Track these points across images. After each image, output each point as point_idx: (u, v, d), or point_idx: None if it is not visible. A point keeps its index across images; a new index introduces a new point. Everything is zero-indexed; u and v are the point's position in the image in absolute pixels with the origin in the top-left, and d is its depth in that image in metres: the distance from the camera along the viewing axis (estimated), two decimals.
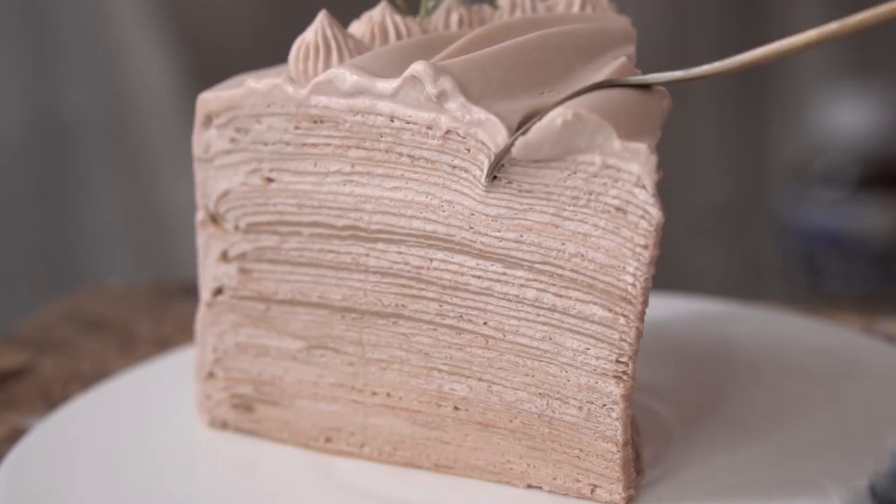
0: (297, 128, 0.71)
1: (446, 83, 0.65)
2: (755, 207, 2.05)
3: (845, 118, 1.98)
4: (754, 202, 2.06)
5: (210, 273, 0.76)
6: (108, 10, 1.70)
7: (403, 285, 0.70)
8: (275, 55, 0.79)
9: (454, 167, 0.67)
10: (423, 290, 0.70)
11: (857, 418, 0.74)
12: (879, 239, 1.89)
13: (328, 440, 0.76)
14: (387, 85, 0.67)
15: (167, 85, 1.73)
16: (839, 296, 1.89)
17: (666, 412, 0.77)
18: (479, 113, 0.64)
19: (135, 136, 1.74)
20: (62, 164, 1.72)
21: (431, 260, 0.69)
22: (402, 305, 0.71)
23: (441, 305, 0.69)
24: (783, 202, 2.01)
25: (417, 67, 0.65)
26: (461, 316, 0.69)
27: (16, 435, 0.81)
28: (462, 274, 0.68)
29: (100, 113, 1.72)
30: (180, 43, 1.74)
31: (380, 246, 0.70)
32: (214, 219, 0.76)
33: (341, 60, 0.70)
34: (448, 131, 0.66)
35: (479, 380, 0.70)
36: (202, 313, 0.78)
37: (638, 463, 0.69)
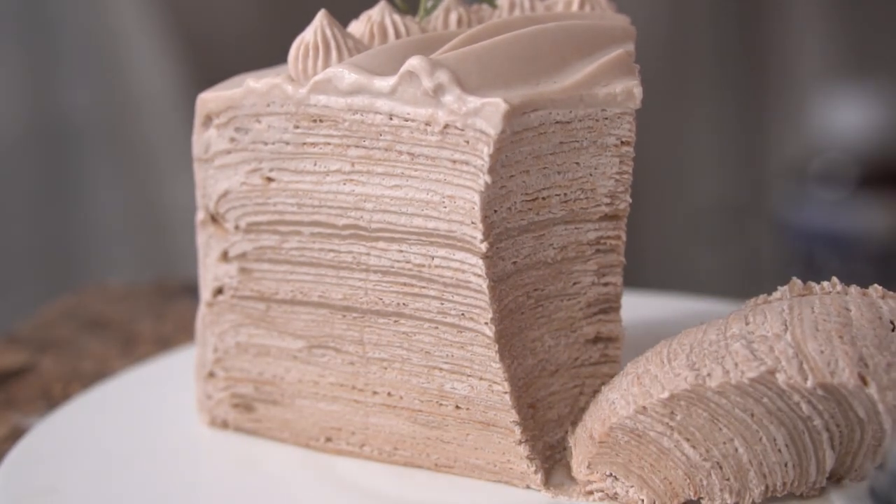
0: (296, 127, 0.71)
1: (442, 76, 0.65)
2: (755, 207, 2.05)
3: (844, 119, 1.99)
4: (754, 202, 2.06)
5: (210, 273, 0.76)
6: (109, 11, 1.70)
7: (404, 284, 0.70)
8: (275, 55, 0.79)
9: (455, 161, 0.67)
10: (424, 288, 0.70)
11: None
12: (878, 239, 1.89)
13: (328, 440, 0.76)
14: (384, 83, 0.67)
15: (167, 85, 1.73)
16: None
17: None
18: (474, 101, 0.64)
19: (135, 135, 1.75)
20: (63, 164, 1.72)
21: (433, 258, 0.69)
22: (404, 304, 0.71)
23: (442, 304, 0.69)
24: (782, 202, 2.01)
25: (413, 62, 0.65)
26: (463, 314, 0.69)
27: (17, 434, 0.81)
28: (463, 271, 0.68)
29: (100, 113, 1.72)
30: (180, 43, 1.74)
31: (381, 244, 0.70)
32: (215, 219, 0.76)
33: (340, 59, 0.70)
34: (446, 126, 0.66)
35: (481, 378, 0.70)
36: (203, 313, 0.78)
37: None
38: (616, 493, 0.67)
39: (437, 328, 0.70)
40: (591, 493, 0.68)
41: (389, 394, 0.73)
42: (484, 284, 0.67)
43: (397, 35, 0.73)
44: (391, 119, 0.67)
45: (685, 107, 2.01)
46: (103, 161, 1.73)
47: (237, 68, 0.78)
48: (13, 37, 1.66)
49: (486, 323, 0.68)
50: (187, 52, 1.74)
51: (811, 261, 1.95)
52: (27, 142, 1.69)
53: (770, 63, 2.04)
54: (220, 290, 0.77)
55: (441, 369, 0.71)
